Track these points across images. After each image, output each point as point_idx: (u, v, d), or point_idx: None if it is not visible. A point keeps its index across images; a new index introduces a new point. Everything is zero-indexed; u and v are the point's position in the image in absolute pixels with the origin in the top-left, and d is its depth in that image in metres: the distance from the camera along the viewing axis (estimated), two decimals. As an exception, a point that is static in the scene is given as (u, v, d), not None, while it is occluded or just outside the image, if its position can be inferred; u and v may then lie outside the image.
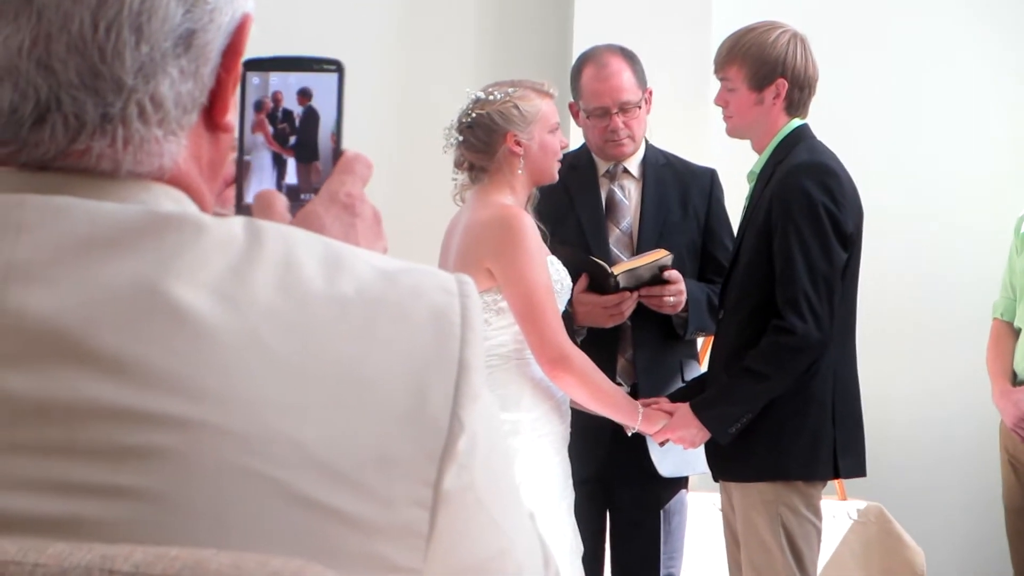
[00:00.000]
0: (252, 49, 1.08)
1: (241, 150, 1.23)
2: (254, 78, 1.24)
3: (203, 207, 1.05)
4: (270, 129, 1.25)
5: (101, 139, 0.99)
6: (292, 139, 1.25)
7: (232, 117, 1.07)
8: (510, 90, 4.06)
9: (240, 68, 1.06)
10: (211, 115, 1.05)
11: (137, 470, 0.90)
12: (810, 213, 3.98)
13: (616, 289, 4.31)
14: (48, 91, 0.97)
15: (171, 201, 1.02)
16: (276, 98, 1.25)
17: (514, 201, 4.02)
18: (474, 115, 4.04)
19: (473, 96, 4.09)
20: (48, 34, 0.97)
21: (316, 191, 1.24)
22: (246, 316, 0.94)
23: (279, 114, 1.25)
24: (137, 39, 0.98)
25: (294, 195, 1.25)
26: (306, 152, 1.25)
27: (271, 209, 1.20)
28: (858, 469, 4.16)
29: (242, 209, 1.25)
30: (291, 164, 1.25)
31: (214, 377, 0.92)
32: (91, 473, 0.90)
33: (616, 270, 4.29)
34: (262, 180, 1.25)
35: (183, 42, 1.00)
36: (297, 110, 1.25)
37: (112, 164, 1.00)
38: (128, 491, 0.90)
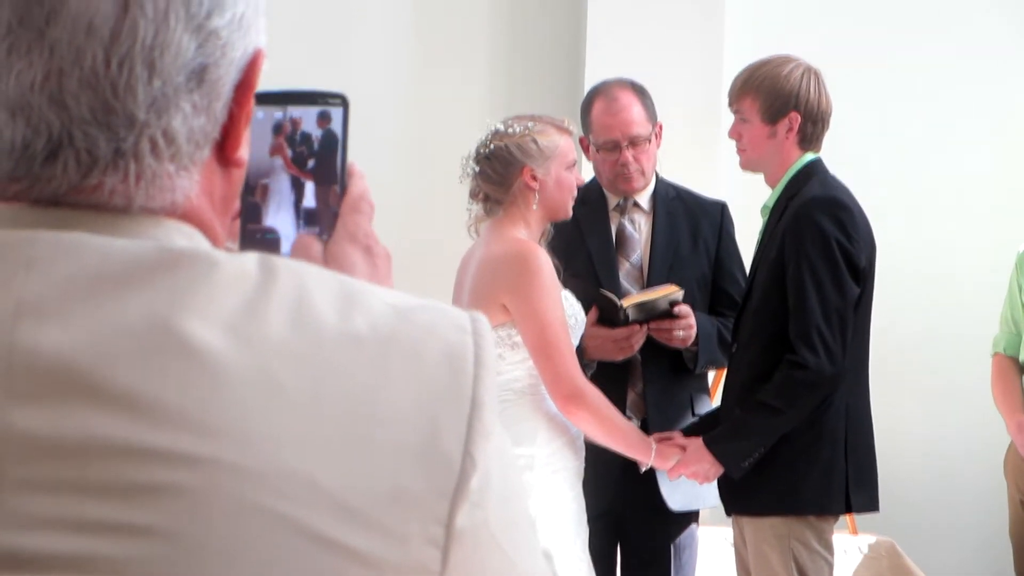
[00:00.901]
0: (263, 83, 1.08)
1: (253, 178, 1.23)
2: (259, 112, 1.24)
3: (215, 242, 1.05)
4: (289, 152, 1.25)
5: (113, 175, 0.98)
6: (311, 162, 1.25)
7: (244, 153, 1.06)
8: (530, 124, 4.06)
9: (252, 103, 1.05)
10: (223, 150, 1.04)
11: (151, 508, 0.90)
12: (823, 247, 3.97)
13: (626, 322, 4.30)
14: (60, 127, 0.97)
15: (183, 237, 1.01)
16: (295, 121, 1.25)
17: (528, 235, 4.02)
18: (492, 146, 4.04)
19: (492, 128, 4.09)
20: (61, 69, 0.96)
21: (336, 217, 1.24)
22: (259, 352, 0.93)
23: (298, 137, 1.25)
24: (150, 74, 0.97)
25: (311, 219, 1.25)
26: (325, 175, 1.26)
27: (307, 255, 1.19)
28: (871, 504, 4.16)
29: (249, 233, 1.25)
30: (309, 187, 1.26)
31: (227, 414, 0.91)
32: (105, 511, 0.89)
33: (626, 303, 4.29)
34: (280, 203, 1.26)
35: (196, 77, 0.99)
36: (316, 133, 1.26)
37: (124, 200, 0.99)
38: (142, 529, 0.89)
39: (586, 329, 4.23)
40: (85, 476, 0.90)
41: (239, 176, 1.08)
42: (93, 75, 0.96)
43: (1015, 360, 5.06)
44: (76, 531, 0.89)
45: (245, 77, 1.03)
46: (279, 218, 1.27)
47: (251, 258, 0.98)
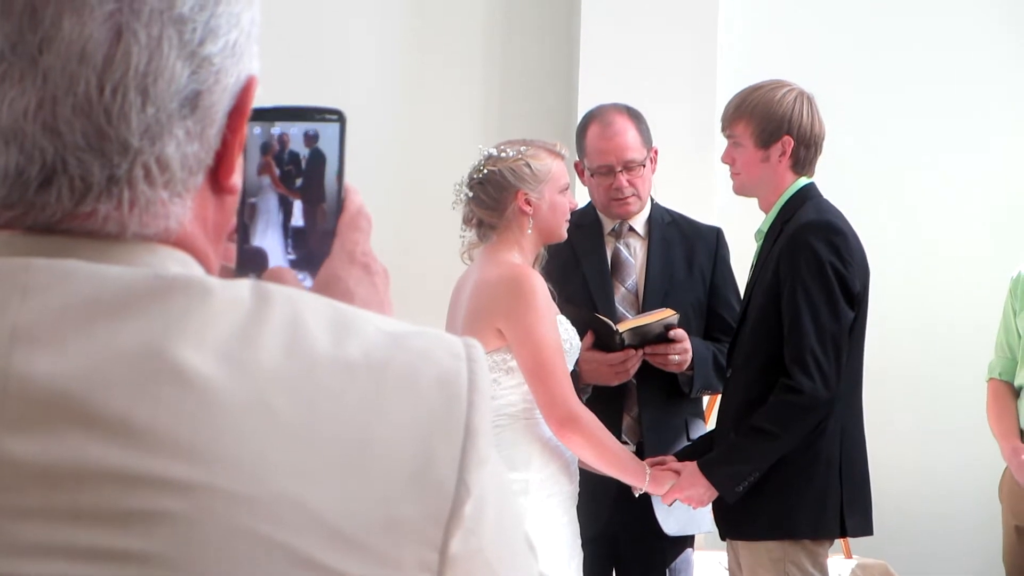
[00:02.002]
0: (257, 101, 1.08)
1: (243, 197, 1.23)
2: (256, 128, 1.24)
3: (208, 269, 1.05)
4: (277, 171, 1.25)
5: (107, 201, 0.98)
6: (299, 181, 1.25)
7: (237, 179, 1.07)
8: (522, 148, 4.05)
9: (246, 129, 1.05)
10: (216, 177, 1.04)
11: (144, 534, 0.90)
12: (818, 272, 3.98)
13: (621, 347, 4.30)
14: (54, 153, 0.97)
15: (177, 264, 1.01)
16: (282, 140, 1.25)
17: (522, 260, 4.02)
18: (485, 171, 4.03)
19: (485, 153, 4.09)
20: (54, 96, 0.96)
21: (324, 234, 1.24)
22: (253, 379, 0.93)
23: (286, 156, 1.25)
24: (143, 100, 0.97)
25: (300, 239, 1.25)
26: (313, 195, 1.25)
27: (282, 283, 1.19)
28: (865, 527, 4.16)
29: (246, 254, 1.25)
30: (297, 206, 1.26)
31: (221, 441, 0.91)
32: (98, 537, 0.89)
33: (621, 328, 4.29)
34: (268, 222, 1.26)
35: (189, 103, 0.99)
36: (303, 152, 1.26)
37: (118, 227, 0.99)
38: (135, 555, 0.90)
39: (581, 353, 4.23)
40: (78, 503, 0.90)
41: (232, 202, 1.08)
42: (87, 102, 0.96)
43: (1010, 385, 5.06)
44: (69, 558, 0.89)
45: (238, 103, 1.04)
46: (267, 238, 1.27)
47: (244, 284, 0.98)
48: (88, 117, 0.96)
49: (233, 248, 1.25)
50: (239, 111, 1.04)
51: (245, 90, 1.04)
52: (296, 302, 0.98)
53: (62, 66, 0.96)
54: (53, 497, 0.90)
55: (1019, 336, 5.02)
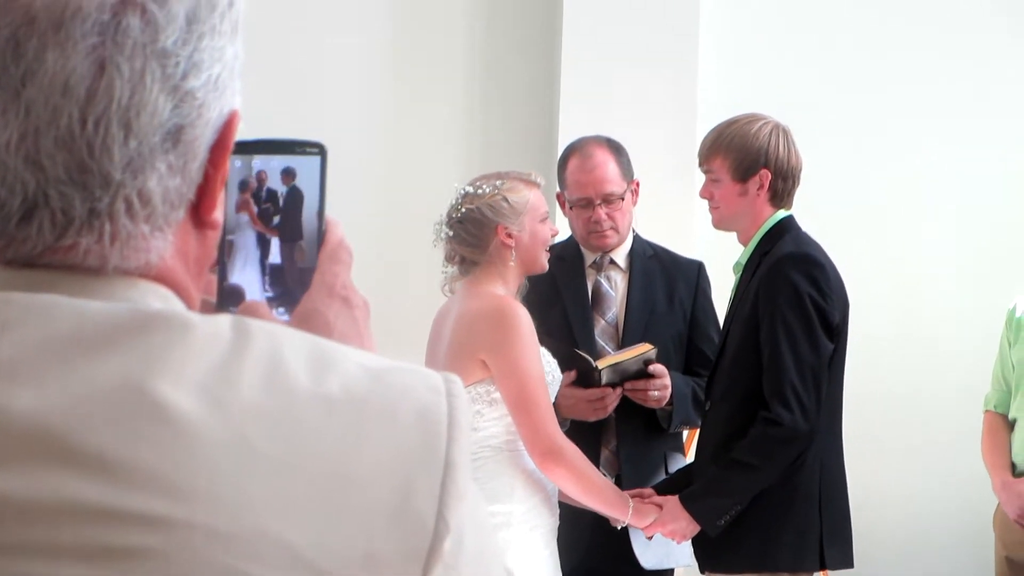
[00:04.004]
0: (239, 131, 1.08)
1: (224, 231, 1.22)
2: (237, 161, 1.24)
3: (189, 304, 1.05)
4: (255, 208, 1.25)
5: (88, 235, 0.99)
6: (277, 219, 1.25)
7: (219, 214, 1.07)
8: (498, 183, 4.05)
9: (228, 164, 1.05)
10: (198, 212, 1.04)
11: (122, 570, 0.89)
12: (797, 304, 3.98)
13: (600, 383, 4.30)
14: (36, 187, 0.97)
15: (158, 299, 1.01)
16: (260, 178, 1.25)
17: (505, 291, 4.02)
18: (464, 210, 4.03)
19: (461, 191, 4.08)
20: (36, 129, 0.96)
21: (304, 271, 1.24)
22: (232, 415, 0.93)
23: (263, 193, 1.25)
24: (126, 134, 0.97)
25: (278, 276, 1.25)
26: (290, 232, 1.25)
27: (257, 317, 1.19)
28: (845, 560, 4.15)
29: (225, 290, 1.25)
30: (275, 244, 1.25)
31: (199, 477, 0.91)
32: (76, 573, 0.89)
33: (600, 364, 4.29)
34: (246, 259, 1.25)
35: (171, 137, 1.00)
36: (281, 189, 1.25)
37: (99, 260, 0.99)
38: None
39: (561, 388, 4.23)
40: (55, 539, 0.90)
41: (213, 237, 1.08)
42: (69, 135, 0.96)
43: (1005, 417, 5.07)
44: None
45: (221, 138, 1.04)
46: (245, 275, 1.26)
47: (225, 320, 0.98)
48: (70, 150, 0.97)
49: (214, 281, 1.25)
50: (221, 146, 1.04)
51: (227, 125, 1.04)
52: (276, 337, 0.98)
53: (45, 99, 0.96)
54: (30, 533, 0.90)
55: (1013, 368, 5.03)
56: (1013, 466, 4.95)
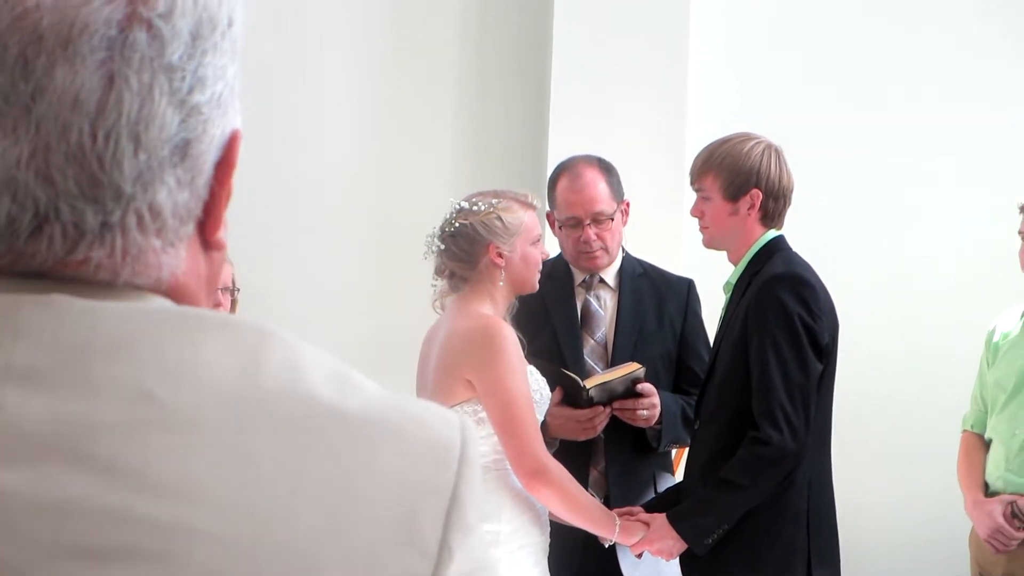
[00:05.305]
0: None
1: None
2: None
3: None
4: None
5: (100, 249, 0.99)
6: None
7: (224, 234, 1.07)
8: (494, 201, 4.05)
9: (231, 183, 1.06)
10: (204, 230, 1.05)
11: (123, 571, 0.90)
12: (786, 324, 3.99)
13: (589, 403, 4.30)
14: (47, 202, 0.97)
15: None
16: None
17: (494, 311, 4.01)
18: (457, 225, 4.03)
19: (456, 206, 4.08)
20: (47, 145, 0.97)
21: None
22: (244, 425, 0.94)
23: None
24: (135, 147, 0.98)
25: None
26: None
27: None
28: (831, 574, 4.15)
29: None
30: None
31: (207, 483, 0.92)
32: (76, 571, 0.90)
33: (588, 384, 4.29)
34: None
35: (180, 151, 1.00)
36: None
37: (110, 275, 1.00)
38: None
39: (549, 408, 4.22)
40: (59, 535, 0.91)
41: (220, 259, 1.09)
42: (79, 149, 0.97)
43: (981, 437, 5.09)
44: None
45: (225, 156, 1.05)
46: None
47: (246, 326, 0.99)
48: (81, 164, 0.97)
49: (221, 297, 1.25)
50: (226, 163, 1.05)
51: (231, 143, 1.05)
52: (298, 350, 1.00)
53: (55, 115, 0.96)
54: (37, 528, 0.91)
55: (990, 389, 5.05)
56: (986, 486, 4.97)
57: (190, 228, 1.04)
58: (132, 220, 1.00)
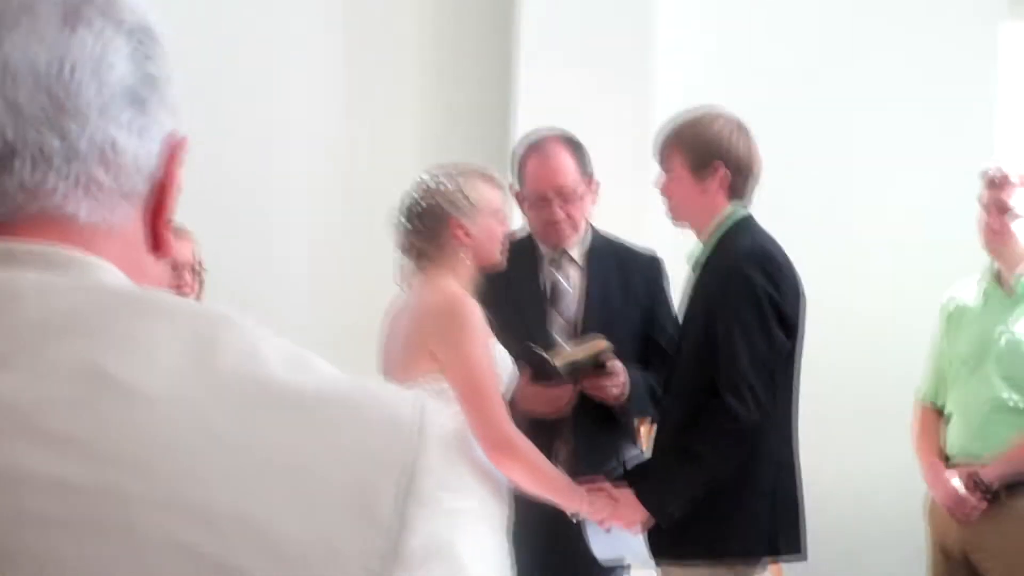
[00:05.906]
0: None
1: None
2: None
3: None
4: None
5: (65, 180, 1.03)
6: None
7: (171, 246, 1.12)
8: (457, 176, 4.06)
9: (179, 181, 1.09)
10: (154, 221, 1.10)
11: (79, 540, 0.91)
12: (752, 299, 4.00)
13: (555, 376, 4.28)
14: (14, 130, 1.02)
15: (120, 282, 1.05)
16: None
17: (458, 286, 4.02)
18: (421, 202, 4.04)
19: (420, 181, 4.09)
20: (15, 75, 1.02)
21: None
22: (199, 397, 0.96)
23: None
24: (99, 84, 1.04)
25: None
26: None
27: None
28: (796, 548, 4.17)
29: None
30: None
31: (163, 455, 0.93)
32: (36, 541, 0.91)
33: (557, 361, 4.27)
34: None
35: (136, 101, 1.06)
36: None
37: (75, 206, 1.04)
38: (56, 560, 0.91)
39: (519, 386, 4.22)
40: (20, 505, 0.92)
41: (164, 270, 1.11)
42: (47, 77, 1.02)
43: (936, 411, 5.11)
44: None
45: (172, 152, 1.10)
46: None
47: (203, 311, 1.02)
48: (48, 93, 1.03)
49: (188, 277, 1.29)
50: (173, 159, 1.10)
51: (179, 144, 1.10)
52: (254, 332, 1.01)
53: (23, 51, 1.03)
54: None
55: (950, 362, 5.06)
56: (947, 458, 4.98)
57: (142, 188, 1.07)
58: (95, 153, 1.04)
